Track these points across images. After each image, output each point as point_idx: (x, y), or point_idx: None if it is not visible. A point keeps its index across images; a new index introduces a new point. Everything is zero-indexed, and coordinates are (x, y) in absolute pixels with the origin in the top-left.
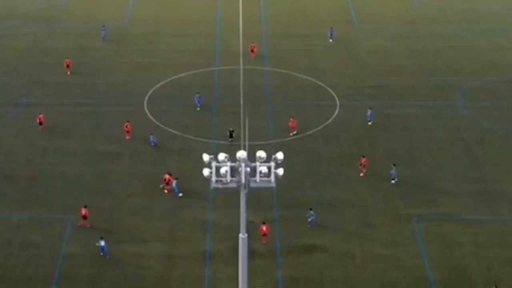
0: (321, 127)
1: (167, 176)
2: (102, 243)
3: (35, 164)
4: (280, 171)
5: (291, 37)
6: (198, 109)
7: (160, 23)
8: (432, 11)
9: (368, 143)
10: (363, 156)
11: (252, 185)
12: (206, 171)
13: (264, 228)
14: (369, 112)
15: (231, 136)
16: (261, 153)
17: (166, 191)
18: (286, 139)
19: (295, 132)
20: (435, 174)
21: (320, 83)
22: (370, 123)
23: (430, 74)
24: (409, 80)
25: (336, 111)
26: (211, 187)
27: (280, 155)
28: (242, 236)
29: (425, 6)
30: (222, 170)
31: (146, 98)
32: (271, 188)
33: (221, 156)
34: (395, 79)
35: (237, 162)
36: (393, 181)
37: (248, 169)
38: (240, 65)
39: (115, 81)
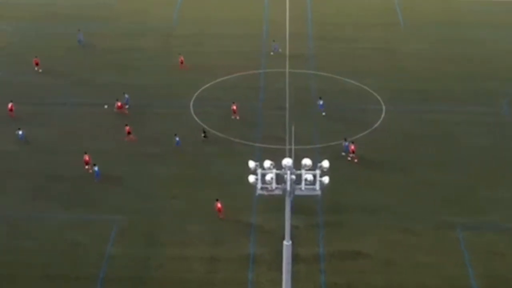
0: (366, 131)
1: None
2: (96, 168)
3: (83, 164)
4: (326, 179)
5: (337, 40)
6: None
7: (207, 23)
8: (478, 15)
9: (412, 149)
10: (352, 142)
11: (297, 193)
12: (251, 178)
13: (219, 205)
14: (320, 102)
15: (204, 136)
16: (306, 161)
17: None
18: (331, 143)
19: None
20: (479, 182)
21: (365, 87)
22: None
23: (475, 80)
24: (454, 85)
25: (382, 116)
26: (256, 194)
27: (325, 163)
28: (287, 243)
29: (471, 11)
30: (268, 177)
31: (192, 99)
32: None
33: (267, 163)
34: (440, 84)
35: (283, 170)
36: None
37: (294, 176)
38: (286, 68)
39: (161, 82)
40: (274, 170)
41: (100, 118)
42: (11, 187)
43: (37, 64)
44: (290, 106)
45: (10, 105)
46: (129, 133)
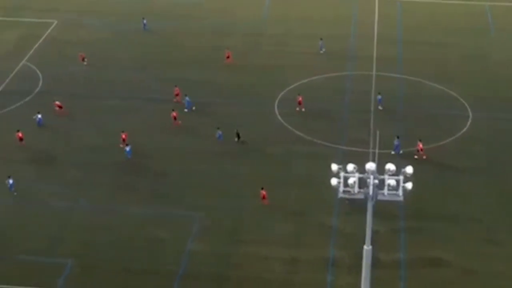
0: (452, 138)
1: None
2: (128, 148)
3: (165, 160)
4: (409, 185)
5: (425, 44)
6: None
7: (294, 23)
8: None
9: (499, 157)
10: (420, 140)
11: (380, 197)
12: (334, 181)
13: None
14: (378, 96)
15: (238, 137)
16: (390, 166)
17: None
18: (415, 148)
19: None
20: None
21: (452, 93)
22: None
23: None
24: None
25: (469, 122)
26: (338, 196)
27: (409, 169)
28: (367, 247)
29: None
30: (350, 181)
31: (277, 99)
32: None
33: (350, 166)
34: None
35: (366, 174)
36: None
37: (377, 181)
38: (373, 70)
39: (246, 81)
40: (357, 174)
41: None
42: (93, 181)
43: (83, 59)
44: (375, 109)
45: (56, 103)
46: (175, 118)
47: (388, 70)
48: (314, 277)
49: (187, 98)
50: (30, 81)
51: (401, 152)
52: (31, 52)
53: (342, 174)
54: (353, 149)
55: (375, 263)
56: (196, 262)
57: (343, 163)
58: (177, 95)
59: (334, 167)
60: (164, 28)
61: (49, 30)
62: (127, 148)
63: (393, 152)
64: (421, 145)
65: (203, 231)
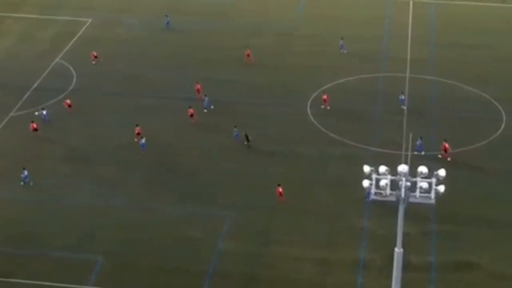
0: (485, 141)
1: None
2: (143, 140)
3: (196, 159)
4: (441, 188)
5: (459, 46)
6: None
7: (329, 24)
8: None
9: None
10: (445, 141)
11: (412, 200)
12: (366, 183)
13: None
14: (401, 96)
15: (247, 140)
16: (422, 169)
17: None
18: (451, 151)
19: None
20: None
21: (486, 96)
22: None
23: None
24: None
25: (503, 125)
26: (369, 199)
27: (442, 172)
28: (398, 250)
29: None
30: (382, 183)
31: (310, 100)
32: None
33: (382, 168)
34: None
35: (398, 176)
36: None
37: (409, 183)
38: (406, 72)
39: (279, 81)
40: (389, 176)
41: (212, 114)
42: (125, 179)
43: (95, 57)
44: (409, 111)
45: (67, 101)
46: (192, 115)
47: (421, 72)
48: (345, 278)
49: (206, 98)
50: (64, 78)
51: (423, 153)
52: (65, 50)
53: (374, 176)
54: (385, 151)
55: (406, 266)
56: (226, 261)
57: (375, 165)
58: (199, 91)
59: (366, 168)
60: (197, 27)
61: (83, 28)
62: (143, 141)
63: (415, 152)
64: (446, 145)
65: (234, 231)
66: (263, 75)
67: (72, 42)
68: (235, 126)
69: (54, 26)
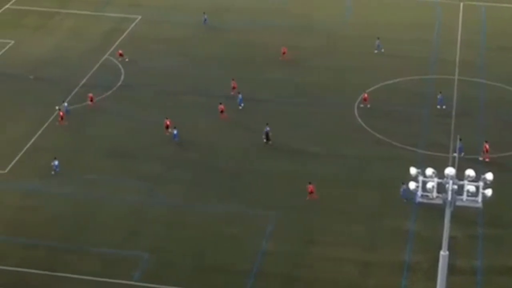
0: None
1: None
2: (175, 131)
3: (240, 159)
4: (489, 191)
5: (509, 49)
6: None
7: (376, 26)
8: None
9: None
10: (486, 142)
11: (458, 203)
12: (412, 185)
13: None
14: (439, 96)
15: (267, 139)
16: (470, 172)
17: None
18: (496, 155)
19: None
20: None
21: None
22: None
23: None
24: None
25: None
26: (416, 201)
27: (489, 176)
28: (443, 253)
29: None
30: (429, 185)
31: (357, 101)
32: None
33: (429, 171)
34: None
35: (445, 179)
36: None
37: (456, 186)
38: (455, 75)
39: (327, 82)
40: (436, 179)
41: (253, 112)
42: (172, 176)
43: (121, 55)
44: (456, 114)
45: (90, 95)
46: (222, 111)
47: (470, 75)
48: (388, 280)
49: (240, 95)
50: (112, 75)
51: (462, 154)
52: (114, 46)
53: (420, 178)
54: (433, 153)
55: (451, 269)
56: (269, 261)
57: (422, 167)
58: (234, 88)
59: (413, 170)
60: (246, 26)
61: (132, 25)
62: (175, 131)
63: (455, 154)
64: (487, 146)
65: (277, 231)
66: (311, 76)
67: (121, 38)
68: (267, 124)
69: (104, 23)
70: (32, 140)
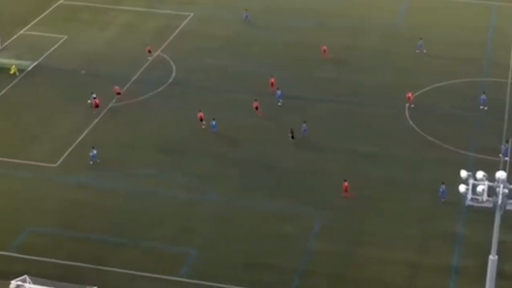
0: None
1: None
2: (214, 122)
3: (292, 157)
4: None
5: None
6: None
7: (431, 27)
8: None
9: None
10: None
11: (509, 207)
12: (462, 187)
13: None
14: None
15: (292, 137)
16: None
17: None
18: None
19: None
20: None
21: None
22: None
23: None
24: None
25: None
26: (466, 204)
27: None
28: (492, 257)
29: None
30: (479, 189)
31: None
32: None
33: (479, 174)
34: None
35: (496, 182)
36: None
37: (506, 190)
38: (508, 78)
39: (379, 82)
40: (487, 182)
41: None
42: (222, 174)
43: (149, 52)
44: (509, 117)
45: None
46: (257, 108)
47: None
48: (436, 283)
49: (278, 91)
50: (163, 71)
51: (506, 158)
52: (166, 43)
53: (471, 181)
54: (484, 156)
55: (500, 274)
56: (317, 260)
57: (472, 170)
58: (272, 84)
59: (464, 173)
60: (298, 26)
61: (184, 22)
62: (214, 122)
63: (506, 158)
64: None
65: (326, 230)
66: (364, 77)
67: (173, 35)
68: (304, 121)
69: (157, 19)
70: (83, 134)
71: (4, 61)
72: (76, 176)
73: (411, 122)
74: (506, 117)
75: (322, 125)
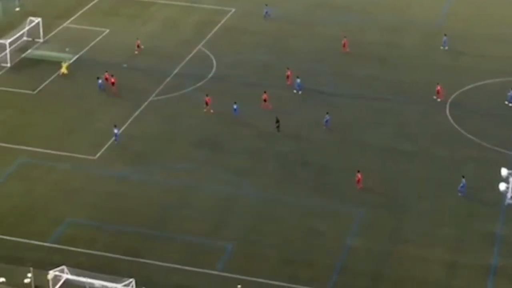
0: None
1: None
2: (235, 106)
3: (330, 153)
4: None
5: None
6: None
7: (475, 25)
8: None
9: None
10: None
11: None
12: (502, 186)
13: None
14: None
15: (277, 126)
16: None
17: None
18: None
19: None
20: None
21: None
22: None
23: None
24: None
25: None
26: (505, 203)
27: None
28: None
29: None
30: None
31: (449, 100)
32: None
33: None
34: None
35: None
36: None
37: None
38: None
39: (420, 80)
40: None
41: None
42: (261, 168)
43: (138, 47)
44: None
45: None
46: (265, 100)
47: None
48: (474, 283)
49: (298, 80)
50: (204, 66)
51: None
52: (207, 38)
53: (511, 180)
54: None
55: None
56: (354, 258)
57: None
58: (288, 77)
59: (504, 172)
60: (339, 22)
61: (226, 18)
62: (235, 106)
63: None
64: None
65: (364, 228)
66: (406, 74)
67: (214, 30)
68: (327, 113)
69: (198, 14)
70: (123, 127)
71: (46, 53)
72: (115, 169)
73: (451, 121)
74: None
75: (362, 123)
